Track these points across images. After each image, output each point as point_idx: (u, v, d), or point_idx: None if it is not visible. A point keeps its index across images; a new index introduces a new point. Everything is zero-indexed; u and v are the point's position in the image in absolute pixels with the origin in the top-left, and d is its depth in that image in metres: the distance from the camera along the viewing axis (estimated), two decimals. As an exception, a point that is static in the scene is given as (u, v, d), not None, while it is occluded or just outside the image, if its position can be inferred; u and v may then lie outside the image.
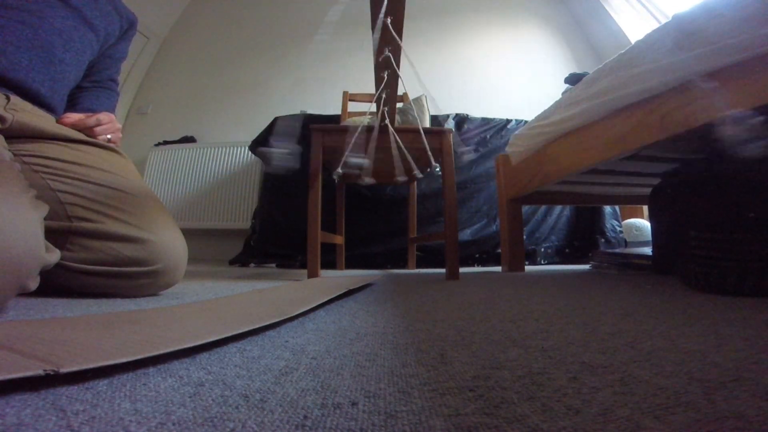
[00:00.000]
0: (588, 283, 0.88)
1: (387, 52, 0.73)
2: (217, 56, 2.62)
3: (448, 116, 1.99)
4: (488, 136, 1.98)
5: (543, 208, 1.93)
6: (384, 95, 0.84)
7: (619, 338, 0.33)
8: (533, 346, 0.31)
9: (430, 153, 0.77)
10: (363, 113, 1.75)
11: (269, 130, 1.99)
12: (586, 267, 1.51)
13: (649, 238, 1.37)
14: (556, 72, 2.43)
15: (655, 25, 1.19)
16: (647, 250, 1.25)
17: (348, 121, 1.69)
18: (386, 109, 0.95)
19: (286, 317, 0.39)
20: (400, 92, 0.99)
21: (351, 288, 0.66)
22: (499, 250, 1.56)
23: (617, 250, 1.57)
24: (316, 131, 1.07)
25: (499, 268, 1.53)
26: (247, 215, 2.21)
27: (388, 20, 0.67)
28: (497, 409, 0.19)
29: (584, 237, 1.94)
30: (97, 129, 0.69)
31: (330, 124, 1.49)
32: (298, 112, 2.12)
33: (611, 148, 0.89)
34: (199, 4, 2.71)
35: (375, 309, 0.52)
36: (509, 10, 2.69)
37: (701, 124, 0.67)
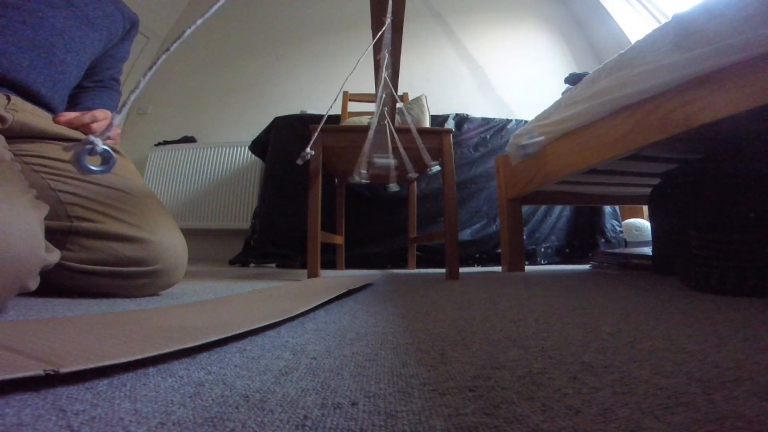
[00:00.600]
0: (588, 283, 0.88)
1: (386, 52, 0.73)
2: (217, 56, 2.62)
3: (448, 116, 1.99)
4: (488, 136, 1.97)
5: (543, 208, 1.93)
6: (384, 95, 0.84)
7: (619, 338, 0.33)
8: (533, 346, 0.31)
9: (426, 153, 0.77)
10: (363, 113, 1.75)
11: (269, 130, 1.99)
12: (586, 267, 1.51)
13: (649, 238, 1.37)
14: (556, 72, 2.43)
15: (655, 25, 1.19)
16: (647, 250, 1.25)
17: (348, 121, 1.69)
18: (386, 109, 0.95)
19: (286, 317, 0.39)
20: (400, 92, 0.99)
21: (351, 288, 0.66)
22: (499, 250, 1.56)
23: (617, 250, 1.57)
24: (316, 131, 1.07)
25: (499, 268, 1.53)
26: (247, 215, 2.21)
27: (388, 20, 0.67)
28: (497, 409, 0.19)
29: (584, 237, 1.94)
30: (93, 126, 0.69)
31: (330, 124, 1.49)
32: (298, 112, 2.12)
33: (611, 148, 0.89)
34: (199, 4, 2.71)
35: (375, 309, 0.52)
36: (509, 10, 2.69)
37: (701, 124, 0.67)
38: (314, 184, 1.05)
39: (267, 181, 1.94)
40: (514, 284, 0.87)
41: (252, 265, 1.78)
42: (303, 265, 1.61)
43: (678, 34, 0.70)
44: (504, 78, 2.55)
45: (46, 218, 0.48)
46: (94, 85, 0.82)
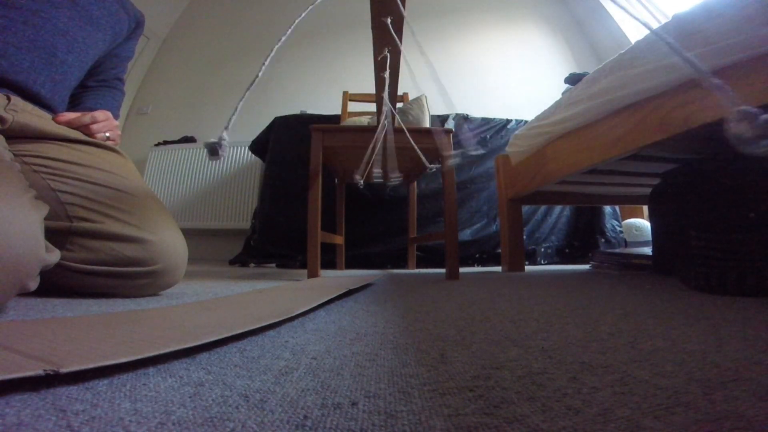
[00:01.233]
0: (588, 283, 0.88)
1: (387, 52, 0.73)
2: (217, 56, 2.63)
3: (448, 116, 1.99)
4: (488, 136, 1.98)
5: (543, 208, 1.93)
6: (384, 95, 0.84)
7: (619, 338, 0.33)
8: (533, 346, 0.31)
9: (421, 155, 0.77)
10: (363, 113, 1.75)
11: (269, 130, 1.99)
12: (586, 267, 1.51)
13: (649, 238, 1.37)
14: (556, 72, 2.43)
15: (655, 25, 1.19)
16: (647, 250, 1.25)
17: (348, 121, 1.69)
18: (386, 109, 0.95)
19: (286, 317, 0.39)
20: (400, 92, 0.99)
21: (351, 288, 0.66)
22: (499, 250, 1.56)
23: (617, 250, 1.57)
24: (316, 131, 1.07)
25: (499, 268, 1.53)
26: (247, 215, 2.21)
27: (388, 20, 0.67)
28: (497, 409, 0.19)
29: (584, 237, 1.94)
30: (93, 127, 0.69)
31: (330, 124, 1.49)
32: (298, 112, 2.12)
33: (611, 148, 0.89)
34: (199, 4, 2.71)
35: (375, 309, 0.52)
36: (509, 10, 2.69)
37: (701, 124, 0.67)
38: (314, 184, 1.05)
39: (267, 181, 1.94)
40: (514, 284, 0.87)
41: (252, 265, 1.78)
42: (303, 265, 1.61)
43: (678, 34, 0.70)
44: (504, 78, 2.55)
45: (45, 218, 0.48)
46: (98, 84, 0.82)
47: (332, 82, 2.41)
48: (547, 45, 2.64)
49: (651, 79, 0.75)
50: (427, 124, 1.57)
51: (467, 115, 2.03)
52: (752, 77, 0.59)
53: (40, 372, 0.19)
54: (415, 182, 1.67)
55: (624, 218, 2.00)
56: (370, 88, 0.97)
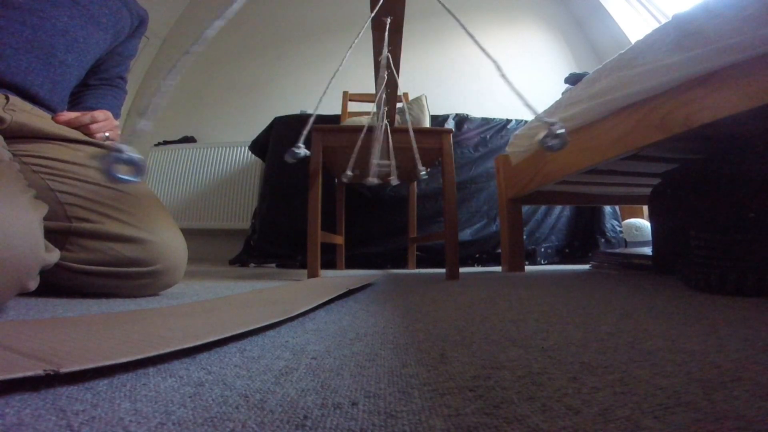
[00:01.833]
0: (588, 283, 0.88)
1: (386, 52, 0.73)
2: (217, 56, 2.62)
3: (448, 116, 1.99)
4: (488, 136, 1.97)
5: (543, 208, 1.93)
6: (384, 95, 0.84)
7: (619, 338, 0.33)
8: (533, 346, 0.31)
9: (418, 160, 0.77)
10: (363, 113, 1.75)
11: (269, 130, 1.99)
12: (586, 267, 1.51)
13: (649, 238, 1.37)
14: (556, 72, 2.43)
15: (655, 25, 1.19)
16: (647, 250, 1.25)
17: (348, 121, 1.69)
18: (386, 109, 0.95)
19: (286, 317, 0.39)
20: (400, 92, 0.99)
21: (351, 288, 0.66)
22: (499, 250, 1.56)
23: (617, 250, 1.57)
24: (316, 131, 1.07)
25: (499, 268, 1.53)
26: (247, 215, 2.21)
27: (388, 20, 0.67)
28: (497, 409, 0.19)
29: (584, 237, 1.94)
30: (93, 127, 0.68)
31: (330, 124, 1.49)
32: (298, 112, 2.12)
33: (611, 148, 0.89)
34: (199, 4, 2.71)
35: (375, 309, 0.52)
36: (509, 10, 2.69)
37: (701, 124, 0.67)
38: (314, 184, 1.05)
39: (267, 181, 1.94)
40: (514, 284, 0.87)
41: (252, 265, 1.78)
42: (303, 265, 1.61)
43: (678, 34, 0.70)
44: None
45: (45, 219, 0.48)
46: (99, 83, 0.81)
47: (332, 82, 2.41)
48: (547, 45, 2.64)
49: (651, 79, 0.75)
50: (427, 124, 1.57)
51: (467, 115, 2.03)
52: (752, 77, 0.59)
53: (40, 372, 0.19)
54: (415, 182, 1.67)
55: (624, 218, 2.00)
56: (370, 88, 0.97)
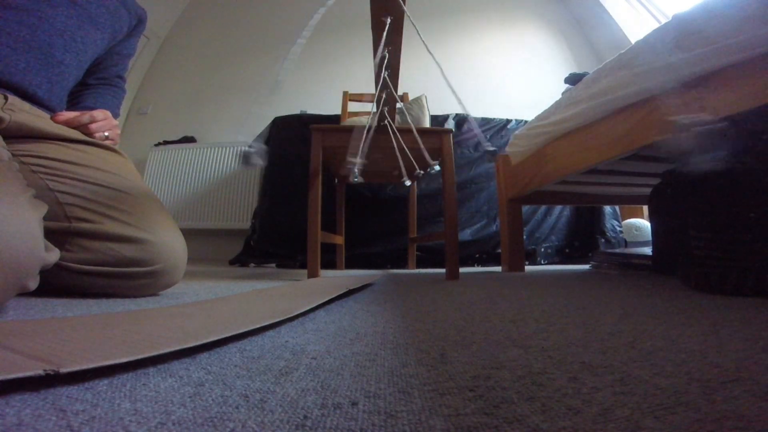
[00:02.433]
0: (588, 283, 0.88)
1: (386, 52, 0.73)
2: (217, 56, 2.62)
3: (448, 116, 1.99)
4: (488, 136, 1.98)
5: (543, 208, 1.93)
6: (384, 95, 0.85)
7: (619, 338, 0.33)
8: (533, 346, 0.31)
9: (426, 154, 0.77)
10: (363, 113, 1.75)
11: (269, 130, 1.99)
12: (586, 267, 1.51)
13: (649, 238, 1.37)
14: (556, 72, 2.43)
15: (655, 25, 1.19)
16: (647, 250, 1.25)
17: (348, 121, 1.69)
18: (386, 109, 0.95)
19: (286, 317, 0.39)
20: (400, 92, 0.99)
21: (351, 288, 0.66)
22: (499, 250, 1.56)
23: (617, 250, 1.57)
24: (316, 131, 1.07)
25: (499, 268, 1.53)
26: (247, 215, 2.21)
27: (388, 20, 0.67)
28: (497, 409, 0.19)
29: (584, 237, 1.94)
30: (92, 126, 0.68)
31: (330, 124, 1.49)
32: (298, 112, 2.12)
33: (611, 148, 0.89)
34: (199, 4, 2.71)
35: (375, 309, 0.52)
36: (509, 10, 2.69)
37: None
38: (314, 184, 1.05)
39: (267, 181, 1.94)
40: (514, 284, 0.87)
41: (252, 265, 1.78)
42: (303, 265, 1.61)
43: (678, 34, 0.70)
44: (504, 78, 2.55)
45: (44, 219, 0.48)
46: (98, 82, 0.81)
47: (332, 82, 2.41)
48: (547, 45, 2.64)
49: (651, 79, 0.75)
50: (427, 124, 1.57)
51: (467, 114, 2.03)
52: (752, 77, 0.59)
53: (40, 372, 0.19)
54: (415, 182, 1.67)
55: (624, 218, 2.00)
56: (370, 88, 0.97)
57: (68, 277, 0.57)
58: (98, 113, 0.70)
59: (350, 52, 2.49)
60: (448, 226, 1.05)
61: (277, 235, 1.80)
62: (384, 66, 0.74)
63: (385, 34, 0.66)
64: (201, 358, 0.27)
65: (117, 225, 0.59)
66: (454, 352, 0.30)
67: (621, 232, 1.95)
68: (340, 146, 1.10)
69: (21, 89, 0.63)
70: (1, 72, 0.60)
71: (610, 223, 1.96)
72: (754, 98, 0.58)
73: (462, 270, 1.14)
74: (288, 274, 1.28)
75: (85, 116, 0.68)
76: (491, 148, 0.75)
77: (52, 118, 0.66)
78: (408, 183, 0.82)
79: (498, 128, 2.00)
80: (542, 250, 1.86)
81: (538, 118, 1.23)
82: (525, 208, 1.74)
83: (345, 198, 1.65)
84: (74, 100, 0.78)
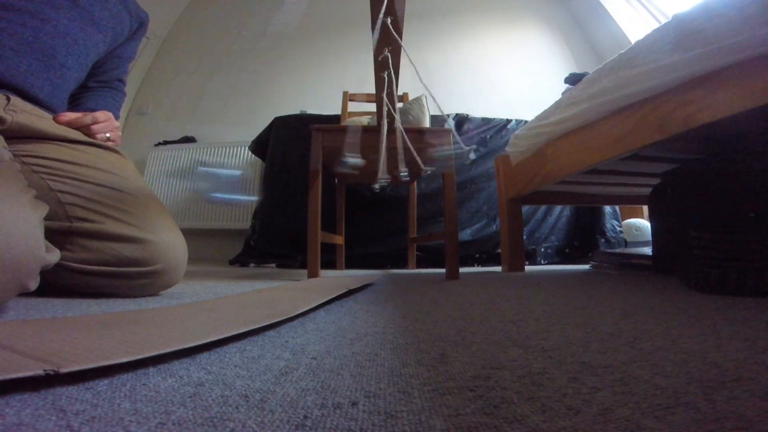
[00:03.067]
0: (588, 283, 0.88)
1: (387, 52, 0.73)
2: (217, 56, 2.62)
3: (448, 116, 1.99)
4: (488, 136, 1.97)
5: (543, 208, 1.93)
6: (384, 95, 0.84)
7: (619, 338, 0.33)
8: (533, 346, 0.31)
9: (416, 156, 0.77)
10: (363, 113, 1.75)
11: (269, 130, 1.99)
12: (586, 267, 1.51)
13: (649, 238, 1.37)
14: (556, 72, 2.43)
15: (655, 25, 1.19)
16: (647, 250, 1.25)
17: (348, 121, 1.69)
18: (387, 109, 0.95)
19: (286, 317, 0.39)
20: (400, 92, 0.99)
21: (351, 288, 0.66)
22: (499, 250, 1.56)
23: (617, 250, 1.56)
24: (316, 131, 1.07)
25: (499, 268, 1.53)
26: (247, 215, 2.21)
27: (388, 20, 0.67)
28: (497, 409, 0.19)
29: (584, 237, 1.94)
30: (94, 127, 0.68)
31: (330, 124, 1.49)
32: (298, 112, 2.12)
33: (611, 148, 0.89)
34: (199, 4, 2.71)
35: (375, 309, 0.52)
36: (509, 10, 2.69)
37: (701, 124, 0.67)
38: (314, 184, 1.04)
39: (267, 181, 1.94)
40: (514, 284, 0.87)
41: (252, 265, 1.78)
42: (303, 265, 1.61)
43: (678, 34, 0.70)
44: (504, 78, 2.55)
45: (45, 219, 0.48)
46: (98, 85, 0.81)
47: (332, 82, 2.41)
48: (547, 45, 2.64)
49: (651, 79, 0.75)
50: (427, 124, 1.57)
51: (467, 115, 2.03)
52: (752, 77, 0.59)
53: (40, 372, 0.19)
54: (415, 182, 1.67)
55: (624, 218, 2.00)
56: (370, 88, 0.97)
57: (69, 277, 0.57)
58: (100, 114, 0.70)
59: (350, 52, 2.49)
60: (448, 226, 1.05)
61: (277, 235, 1.80)
62: (384, 66, 0.74)
63: (378, 31, 0.66)
64: (201, 358, 0.27)
65: (118, 225, 0.59)
66: (454, 352, 0.30)
67: (621, 232, 1.95)
68: (340, 146, 1.10)
69: (23, 91, 0.63)
70: (3, 74, 0.60)
71: (610, 223, 1.96)
72: (754, 98, 0.58)
73: (462, 270, 1.14)
74: (288, 274, 1.28)
75: (87, 117, 0.68)
76: (472, 156, 0.76)
77: (54, 118, 0.66)
78: (405, 175, 0.81)
79: (498, 128, 2.00)
80: (542, 250, 1.86)
81: (538, 118, 1.23)
82: (525, 208, 1.74)
83: (345, 198, 1.65)
84: (75, 103, 0.78)
